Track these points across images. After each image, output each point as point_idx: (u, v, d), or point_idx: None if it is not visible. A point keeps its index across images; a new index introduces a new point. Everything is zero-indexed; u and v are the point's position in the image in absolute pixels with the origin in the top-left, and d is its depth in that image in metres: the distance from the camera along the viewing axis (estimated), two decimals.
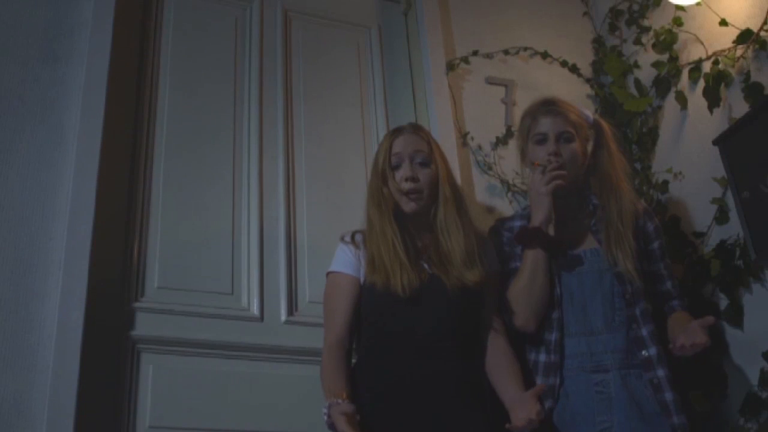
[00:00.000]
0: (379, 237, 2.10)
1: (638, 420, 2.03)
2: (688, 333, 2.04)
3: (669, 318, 2.22)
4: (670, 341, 2.12)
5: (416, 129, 2.27)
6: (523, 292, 2.13)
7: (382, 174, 2.17)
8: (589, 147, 2.31)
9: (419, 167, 2.17)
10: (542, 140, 2.26)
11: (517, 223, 2.30)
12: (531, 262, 2.13)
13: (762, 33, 2.50)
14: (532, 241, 2.14)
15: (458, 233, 2.13)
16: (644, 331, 2.12)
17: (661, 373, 2.08)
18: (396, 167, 2.18)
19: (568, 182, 2.22)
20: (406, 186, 2.14)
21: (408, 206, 2.15)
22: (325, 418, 1.88)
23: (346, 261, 2.15)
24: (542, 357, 2.12)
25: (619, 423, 2.02)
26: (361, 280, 2.12)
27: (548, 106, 2.29)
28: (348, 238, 2.19)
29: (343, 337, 2.07)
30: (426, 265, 2.11)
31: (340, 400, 1.88)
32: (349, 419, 1.83)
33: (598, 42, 3.24)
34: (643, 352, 2.10)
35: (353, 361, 2.12)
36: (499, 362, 2.09)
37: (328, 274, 2.18)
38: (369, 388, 2.01)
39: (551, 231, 2.16)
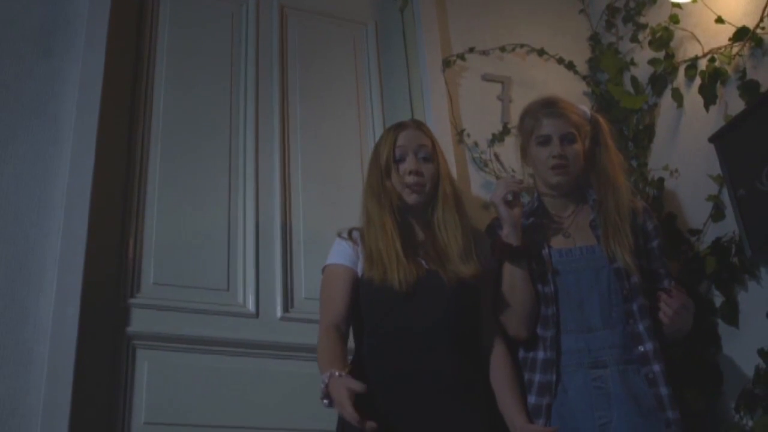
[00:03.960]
0: (377, 230, 2.10)
1: (636, 415, 2.03)
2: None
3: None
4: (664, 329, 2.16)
5: (419, 125, 2.29)
6: (507, 304, 2.15)
7: (385, 167, 2.17)
8: (587, 143, 2.31)
9: (422, 162, 2.18)
10: (545, 142, 2.27)
11: None
12: (507, 275, 2.15)
13: (758, 31, 2.50)
14: (501, 256, 2.16)
15: (456, 230, 2.14)
16: (641, 327, 2.12)
17: (657, 368, 2.09)
18: (399, 160, 2.18)
19: (569, 181, 2.25)
20: (410, 179, 2.15)
21: (411, 198, 2.16)
22: (322, 386, 1.80)
23: (343, 254, 2.14)
24: (540, 354, 2.13)
25: (618, 418, 2.03)
26: (359, 274, 2.12)
27: (550, 108, 2.30)
28: (345, 234, 2.19)
29: (339, 322, 2.04)
30: (423, 261, 2.11)
31: (338, 372, 1.81)
32: (350, 395, 1.75)
33: (594, 39, 3.24)
34: (640, 348, 2.11)
35: (352, 358, 2.11)
36: (500, 377, 2.10)
37: (324, 268, 2.18)
38: (368, 384, 2.00)
39: (518, 239, 2.15)
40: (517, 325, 2.15)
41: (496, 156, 2.39)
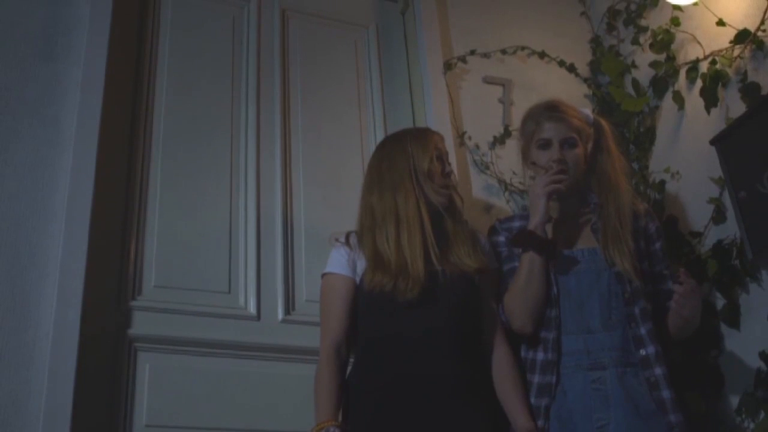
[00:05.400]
0: (412, 231, 2.09)
1: (635, 417, 2.03)
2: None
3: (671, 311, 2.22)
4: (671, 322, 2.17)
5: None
6: (520, 294, 2.15)
7: (429, 169, 2.18)
8: (589, 147, 2.31)
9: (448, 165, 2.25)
10: (546, 146, 2.27)
11: (516, 224, 2.31)
12: (527, 264, 2.15)
13: (759, 33, 2.50)
14: (527, 244, 2.16)
15: (463, 227, 2.19)
16: (643, 330, 2.12)
17: (658, 371, 2.09)
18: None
19: (570, 185, 2.24)
20: (447, 180, 2.21)
21: (447, 198, 2.20)
22: None
23: (341, 262, 2.15)
24: (540, 355, 2.13)
25: (616, 420, 2.03)
26: (357, 280, 2.12)
27: (552, 112, 2.30)
28: (342, 239, 2.19)
29: (340, 343, 2.07)
30: (437, 262, 2.10)
31: (332, 429, 1.92)
32: None
33: (595, 42, 3.25)
34: (642, 351, 2.10)
35: (351, 360, 2.12)
36: (503, 377, 2.10)
37: (323, 275, 2.18)
38: (367, 388, 2.01)
39: (548, 233, 2.17)
40: (525, 319, 2.14)
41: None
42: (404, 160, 2.19)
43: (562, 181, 2.19)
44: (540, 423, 2.04)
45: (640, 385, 2.08)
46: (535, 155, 2.30)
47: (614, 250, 2.17)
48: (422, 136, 2.27)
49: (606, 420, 2.04)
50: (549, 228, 2.22)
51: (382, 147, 2.32)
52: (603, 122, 2.39)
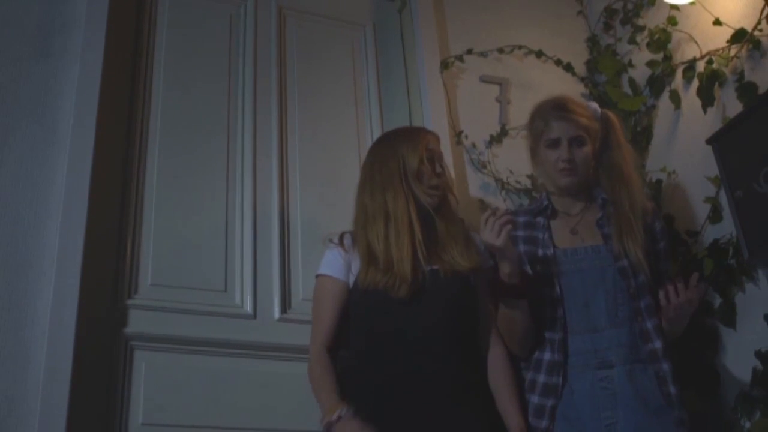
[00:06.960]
0: (400, 228, 2.10)
1: (643, 414, 2.03)
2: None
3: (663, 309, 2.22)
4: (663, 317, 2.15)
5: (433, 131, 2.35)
6: (506, 333, 2.15)
7: (418, 169, 2.17)
8: (597, 144, 2.30)
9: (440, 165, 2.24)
10: (554, 144, 2.26)
11: (521, 219, 2.30)
12: (507, 312, 2.11)
13: (756, 33, 2.50)
14: (502, 295, 2.11)
15: (456, 227, 2.19)
16: (649, 324, 2.12)
17: (666, 366, 2.09)
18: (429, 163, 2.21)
19: (578, 184, 2.24)
20: (437, 181, 2.19)
21: (436, 198, 2.18)
22: (334, 418, 1.92)
23: (335, 264, 2.16)
24: (546, 356, 2.13)
25: (625, 418, 2.03)
26: (350, 282, 2.13)
27: (560, 111, 2.28)
28: (336, 240, 2.19)
29: (329, 345, 2.09)
30: (424, 260, 2.11)
31: (344, 411, 1.92)
32: None
33: (592, 41, 3.25)
34: (649, 345, 2.10)
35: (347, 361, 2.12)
36: (498, 378, 2.11)
37: (316, 276, 2.19)
38: (363, 385, 2.01)
39: (518, 276, 2.07)
40: (518, 350, 2.16)
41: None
42: (394, 160, 2.20)
43: (510, 222, 2.03)
44: (545, 423, 2.04)
45: (649, 380, 2.08)
46: (544, 154, 2.29)
47: (628, 240, 2.16)
48: (414, 136, 2.27)
49: (614, 418, 2.04)
50: (558, 224, 2.21)
51: (374, 147, 2.33)
52: (611, 115, 2.37)
